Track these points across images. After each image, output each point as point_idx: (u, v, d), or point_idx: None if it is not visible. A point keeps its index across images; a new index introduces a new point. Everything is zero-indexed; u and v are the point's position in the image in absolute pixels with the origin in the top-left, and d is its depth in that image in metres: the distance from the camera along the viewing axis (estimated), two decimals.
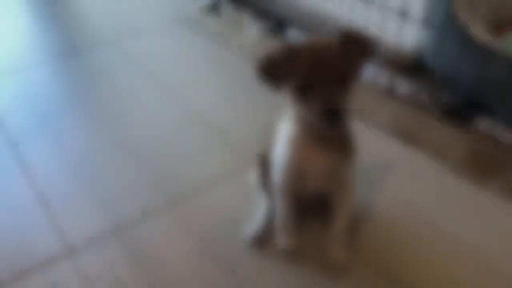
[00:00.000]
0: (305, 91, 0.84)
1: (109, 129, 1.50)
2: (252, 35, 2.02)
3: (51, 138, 1.47)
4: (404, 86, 1.58)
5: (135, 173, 1.32)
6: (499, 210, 1.17)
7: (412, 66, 1.58)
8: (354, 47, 0.84)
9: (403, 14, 1.47)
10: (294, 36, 1.95)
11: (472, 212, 1.17)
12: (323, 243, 1.05)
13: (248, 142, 1.40)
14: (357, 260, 1.05)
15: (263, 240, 1.10)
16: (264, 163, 1.11)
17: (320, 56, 0.83)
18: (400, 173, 1.29)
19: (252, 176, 1.15)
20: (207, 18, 2.17)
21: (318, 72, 0.82)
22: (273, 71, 0.85)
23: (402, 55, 1.58)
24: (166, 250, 1.10)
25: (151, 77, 1.77)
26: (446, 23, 1.41)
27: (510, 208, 1.17)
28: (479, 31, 1.39)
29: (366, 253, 1.06)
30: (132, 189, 1.27)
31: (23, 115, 1.58)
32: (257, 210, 1.14)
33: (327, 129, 0.86)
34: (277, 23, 2.05)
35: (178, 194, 1.25)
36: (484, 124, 1.40)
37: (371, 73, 1.65)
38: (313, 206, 1.16)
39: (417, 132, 1.42)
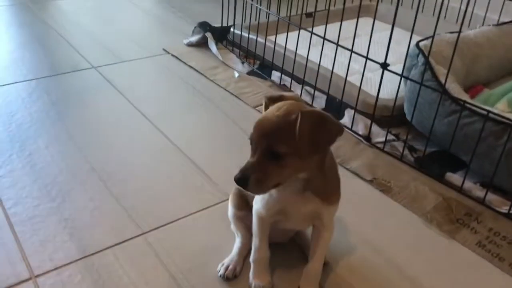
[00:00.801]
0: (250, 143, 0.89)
1: (84, 155, 1.47)
2: (237, 73, 2.05)
3: (23, 159, 1.43)
4: (381, 134, 1.62)
5: (107, 200, 1.29)
6: (466, 261, 1.19)
7: (389, 116, 1.63)
8: (310, 127, 0.83)
9: (384, 65, 1.53)
10: (277, 79, 1.99)
11: (443, 262, 1.18)
12: (295, 283, 1.04)
13: (228, 178, 1.39)
14: None
15: (236, 277, 1.08)
16: (241, 196, 1.11)
17: (265, 125, 0.86)
18: (373, 218, 1.31)
19: (229, 206, 1.15)
20: (193, 53, 2.21)
21: (255, 137, 0.86)
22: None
23: (380, 104, 1.63)
24: (134, 280, 1.06)
25: (131, 105, 1.76)
26: (423, 76, 1.48)
27: (477, 259, 1.19)
28: (455, 88, 1.46)
29: None
30: (103, 217, 1.24)
31: None
32: (234, 248, 1.13)
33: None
34: (261, 65, 2.10)
35: (151, 225, 1.22)
36: (456, 176, 1.45)
37: (350, 120, 1.69)
38: (285, 243, 1.16)
39: (392, 180, 1.45)
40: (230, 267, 1.07)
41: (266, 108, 0.92)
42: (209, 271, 1.09)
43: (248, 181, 0.85)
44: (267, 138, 0.84)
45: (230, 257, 1.10)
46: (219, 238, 1.19)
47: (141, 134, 1.61)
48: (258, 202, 0.99)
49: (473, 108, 1.38)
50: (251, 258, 1.05)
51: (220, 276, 1.07)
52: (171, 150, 1.53)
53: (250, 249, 1.05)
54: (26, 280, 1.05)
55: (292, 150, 0.84)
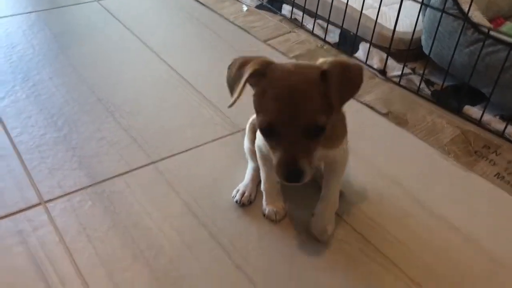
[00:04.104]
0: (267, 132, 0.74)
1: (89, 87, 1.42)
2: (245, 7, 1.96)
3: (27, 89, 1.38)
4: (397, 68, 1.56)
5: (115, 131, 1.25)
6: (485, 192, 1.16)
7: (406, 50, 1.56)
8: (339, 82, 0.71)
9: None
10: (288, 13, 1.90)
11: (459, 192, 1.15)
12: (308, 215, 1.01)
13: (237, 111, 1.34)
14: (339, 232, 1.02)
15: (251, 203, 1.05)
16: (254, 131, 1.07)
17: (291, 98, 0.69)
18: (389, 151, 1.27)
19: (245, 141, 1.11)
20: None
21: (284, 118, 0.70)
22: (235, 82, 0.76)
23: (397, 37, 1.56)
24: (147, 207, 1.04)
25: (137, 38, 1.70)
26: (445, 3, 1.40)
27: (496, 190, 1.16)
28: (478, 16, 1.38)
29: (349, 226, 1.03)
30: (111, 146, 1.20)
31: None
32: (246, 175, 1.10)
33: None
34: None
35: (161, 154, 1.19)
36: (475, 109, 1.40)
37: (365, 54, 1.63)
38: None
39: (408, 113, 1.40)
40: (246, 193, 1.05)
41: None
42: (222, 198, 1.07)
43: (303, 175, 0.73)
44: (304, 114, 0.70)
45: (244, 183, 1.07)
46: (230, 168, 1.16)
47: (147, 67, 1.55)
48: (260, 139, 0.93)
49: (498, 36, 1.31)
50: (262, 187, 1.02)
51: (236, 202, 1.04)
52: (178, 82, 1.47)
53: None
54: (36, 205, 1.02)
55: (327, 114, 0.72)
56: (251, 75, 0.74)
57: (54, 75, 1.46)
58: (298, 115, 0.70)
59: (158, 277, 0.90)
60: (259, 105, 0.75)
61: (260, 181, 1.05)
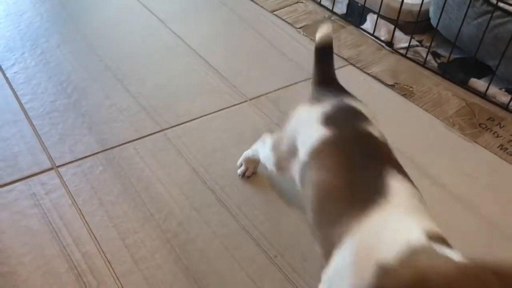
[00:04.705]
0: None
1: (98, 54, 1.43)
2: None
3: (35, 57, 1.39)
4: (404, 40, 1.56)
5: (124, 98, 1.27)
6: (488, 163, 1.18)
7: (413, 22, 1.56)
8: None
9: None
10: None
11: (464, 163, 1.17)
12: None
13: (244, 80, 1.36)
14: None
15: (255, 173, 1.08)
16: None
17: None
18: (394, 122, 1.28)
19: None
20: None
21: None
22: None
23: (405, 9, 1.56)
24: (156, 172, 1.06)
25: (143, 6, 1.69)
26: None
27: (498, 160, 1.18)
28: None
29: None
30: (121, 113, 1.22)
31: (7, 34, 1.49)
32: (257, 149, 1.10)
33: None
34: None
35: (170, 122, 1.21)
36: (481, 82, 1.41)
37: (372, 26, 1.62)
38: None
39: (414, 85, 1.41)
40: (249, 169, 1.06)
41: None
42: (229, 166, 1.09)
43: None
44: None
45: (246, 157, 1.07)
46: (238, 137, 1.18)
47: (154, 35, 1.55)
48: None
49: (507, 7, 1.30)
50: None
51: (240, 176, 1.07)
52: (185, 51, 1.48)
53: None
54: (48, 170, 1.05)
55: None
56: None
57: (62, 43, 1.46)
58: None
59: (168, 239, 0.93)
60: None
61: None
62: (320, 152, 0.73)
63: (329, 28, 0.86)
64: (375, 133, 0.76)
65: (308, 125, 0.78)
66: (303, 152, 0.76)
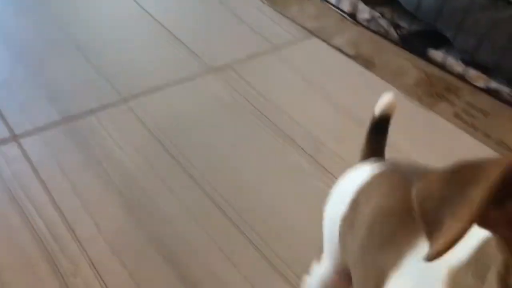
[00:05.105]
0: None
1: (57, 24, 1.39)
2: None
3: None
4: (366, 12, 1.59)
5: (84, 68, 1.26)
6: (444, 131, 1.23)
7: None
8: None
9: None
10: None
11: (421, 131, 1.22)
12: None
13: (210, 51, 1.36)
14: None
15: None
16: None
17: None
18: (354, 91, 1.31)
19: None
20: None
21: None
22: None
23: None
24: (118, 141, 1.07)
25: None
26: None
27: (456, 130, 1.23)
28: None
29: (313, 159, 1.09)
30: (81, 83, 1.21)
31: None
32: None
33: None
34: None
35: (131, 92, 1.20)
36: (438, 53, 1.45)
37: None
38: None
39: (375, 56, 1.44)
40: None
41: None
42: (191, 134, 1.10)
43: None
44: None
45: None
46: (201, 107, 1.19)
47: (117, 5, 1.52)
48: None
49: None
50: None
51: None
52: (148, 21, 1.46)
53: None
54: (9, 140, 1.04)
55: None
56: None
57: (20, 12, 1.42)
58: None
59: (130, 205, 0.94)
60: None
61: None
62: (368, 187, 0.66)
63: (390, 100, 0.77)
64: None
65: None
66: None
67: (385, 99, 0.77)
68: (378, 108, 0.77)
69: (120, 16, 1.47)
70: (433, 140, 1.19)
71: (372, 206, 0.62)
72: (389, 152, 1.12)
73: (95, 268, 0.84)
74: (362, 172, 0.68)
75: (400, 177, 0.64)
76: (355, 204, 0.65)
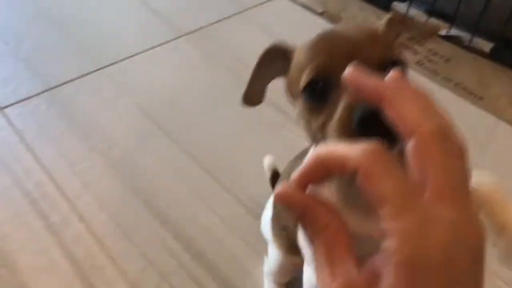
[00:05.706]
0: (321, 90, 0.44)
1: (31, 2, 1.43)
2: None
3: None
4: None
5: (60, 40, 1.31)
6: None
7: None
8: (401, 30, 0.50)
9: None
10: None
11: None
12: None
13: (182, 15, 1.41)
14: None
15: None
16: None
17: (349, 40, 0.44)
18: None
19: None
20: None
21: (342, 59, 0.43)
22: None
23: None
24: (99, 108, 1.13)
25: None
26: None
27: (418, 77, 1.31)
28: None
29: None
30: (59, 55, 1.26)
31: None
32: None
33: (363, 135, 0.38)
34: None
35: (109, 61, 1.26)
36: (402, 5, 1.51)
37: None
38: None
39: (342, 12, 1.50)
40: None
41: None
42: (170, 100, 1.17)
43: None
44: (373, 47, 0.44)
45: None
46: (175, 71, 1.25)
47: None
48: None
49: None
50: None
51: None
52: None
53: None
54: None
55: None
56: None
57: None
58: (363, 50, 0.44)
59: (114, 164, 1.01)
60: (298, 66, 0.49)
61: None
62: None
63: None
64: None
65: None
66: None
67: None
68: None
69: None
70: None
71: None
72: None
73: (84, 221, 0.92)
74: None
75: None
76: None
